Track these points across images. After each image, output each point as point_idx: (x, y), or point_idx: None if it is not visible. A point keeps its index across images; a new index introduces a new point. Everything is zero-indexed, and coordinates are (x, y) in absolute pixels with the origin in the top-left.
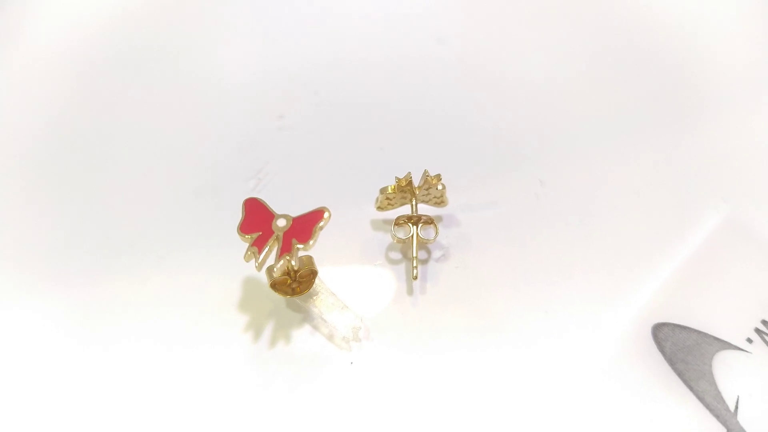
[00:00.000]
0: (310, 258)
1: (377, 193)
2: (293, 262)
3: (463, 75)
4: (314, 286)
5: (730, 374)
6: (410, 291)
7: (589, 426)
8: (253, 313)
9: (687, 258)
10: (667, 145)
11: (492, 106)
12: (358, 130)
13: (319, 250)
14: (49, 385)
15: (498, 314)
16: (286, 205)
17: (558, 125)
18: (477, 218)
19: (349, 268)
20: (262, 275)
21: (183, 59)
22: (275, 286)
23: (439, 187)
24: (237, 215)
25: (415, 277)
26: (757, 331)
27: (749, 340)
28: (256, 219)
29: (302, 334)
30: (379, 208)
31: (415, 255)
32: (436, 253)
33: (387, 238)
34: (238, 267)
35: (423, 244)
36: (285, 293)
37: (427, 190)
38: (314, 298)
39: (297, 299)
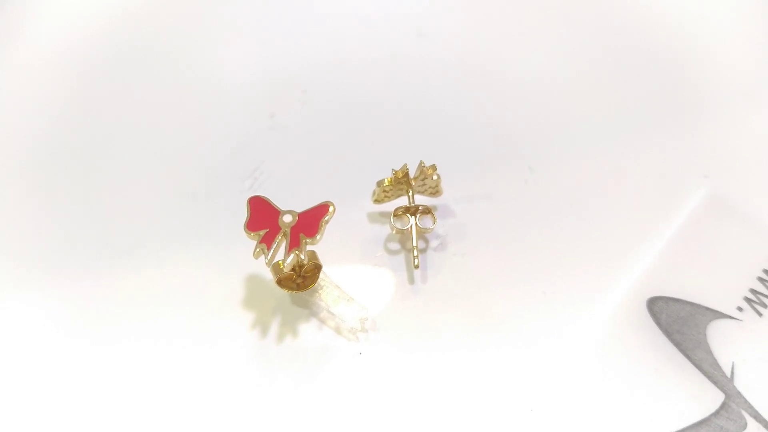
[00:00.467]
0: (313, 253)
1: (373, 187)
2: (302, 256)
3: (449, 70)
4: (319, 280)
5: (724, 342)
6: (411, 280)
7: (595, 399)
8: (258, 310)
9: (676, 234)
10: (654, 132)
11: (480, 98)
12: (348, 126)
13: (319, 244)
14: (50, 384)
15: (498, 298)
16: (283, 202)
17: (547, 115)
18: (471, 206)
19: (350, 261)
20: (264, 272)
21: (183, 59)
22: (281, 282)
23: (435, 177)
24: (236, 213)
25: (417, 266)
26: (747, 299)
27: (740, 309)
28: (262, 216)
29: (310, 328)
30: (376, 200)
31: (415, 245)
32: (434, 242)
33: (385, 230)
34: (239, 265)
35: (421, 234)
36: (291, 289)
37: (422, 180)
38: (320, 292)
39: (303, 294)
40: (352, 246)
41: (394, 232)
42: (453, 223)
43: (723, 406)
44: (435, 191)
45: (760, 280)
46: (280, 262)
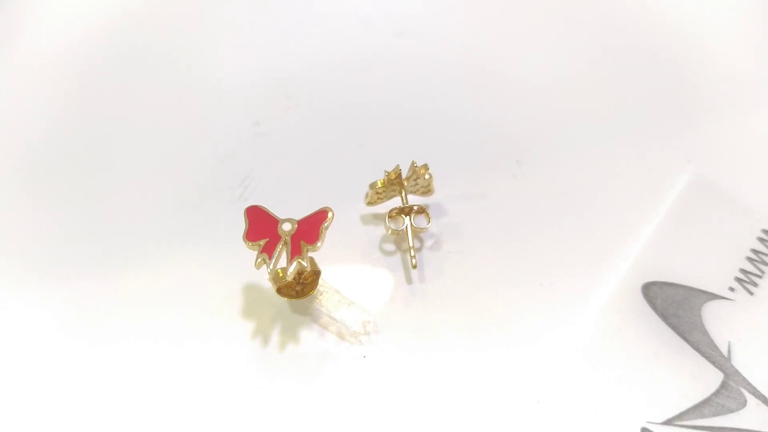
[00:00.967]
0: (312, 259)
1: (365, 189)
2: (305, 263)
3: (435, 69)
4: (318, 286)
5: (719, 322)
6: (409, 280)
7: (599, 386)
8: (258, 317)
9: (665, 220)
10: (647, 126)
11: (466, 96)
12: (334, 129)
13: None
14: (50, 384)
15: (495, 292)
16: (276, 209)
17: (538, 112)
18: (463, 203)
19: (347, 264)
20: (264, 281)
21: (183, 59)
22: (281, 290)
23: (426, 176)
24: (235, 214)
25: (414, 266)
26: (737, 279)
27: (731, 289)
28: (261, 226)
29: (311, 334)
30: (369, 203)
31: (411, 245)
32: (429, 241)
33: (379, 232)
34: (238, 273)
35: (416, 233)
36: (291, 296)
37: (415, 180)
38: (320, 298)
39: (302, 300)
40: (348, 250)
41: (390, 233)
42: (446, 221)
43: (723, 385)
44: (427, 190)
45: (749, 259)
46: (279, 270)
